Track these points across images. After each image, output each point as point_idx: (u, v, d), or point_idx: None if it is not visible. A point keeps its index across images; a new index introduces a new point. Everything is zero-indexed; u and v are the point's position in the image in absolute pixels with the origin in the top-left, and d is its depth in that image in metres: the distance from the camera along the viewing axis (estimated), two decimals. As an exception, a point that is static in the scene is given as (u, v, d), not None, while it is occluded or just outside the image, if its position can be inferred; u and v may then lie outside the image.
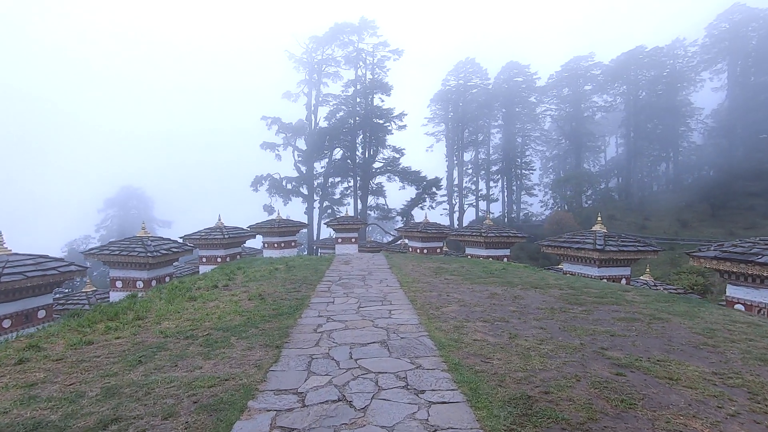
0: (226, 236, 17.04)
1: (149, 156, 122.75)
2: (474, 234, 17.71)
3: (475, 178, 75.51)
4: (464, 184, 73.04)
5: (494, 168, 75.26)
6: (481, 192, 74.08)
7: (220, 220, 18.46)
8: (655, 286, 17.00)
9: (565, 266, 14.13)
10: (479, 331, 4.91)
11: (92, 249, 13.90)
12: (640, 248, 13.20)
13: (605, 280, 13.26)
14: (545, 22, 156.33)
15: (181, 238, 18.20)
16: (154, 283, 13.11)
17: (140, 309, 6.11)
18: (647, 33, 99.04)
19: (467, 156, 75.43)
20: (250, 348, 4.40)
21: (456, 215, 71.01)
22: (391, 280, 8.54)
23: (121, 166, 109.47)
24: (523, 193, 74.69)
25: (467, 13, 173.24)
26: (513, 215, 70.44)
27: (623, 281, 13.73)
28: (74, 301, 15.59)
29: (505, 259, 18.43)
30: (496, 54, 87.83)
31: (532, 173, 77.21)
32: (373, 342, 4.54)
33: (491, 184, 75.65)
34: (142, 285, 12.80)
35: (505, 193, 74.33)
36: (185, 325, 5.37)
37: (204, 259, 17.41)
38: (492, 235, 17.53)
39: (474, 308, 6.02)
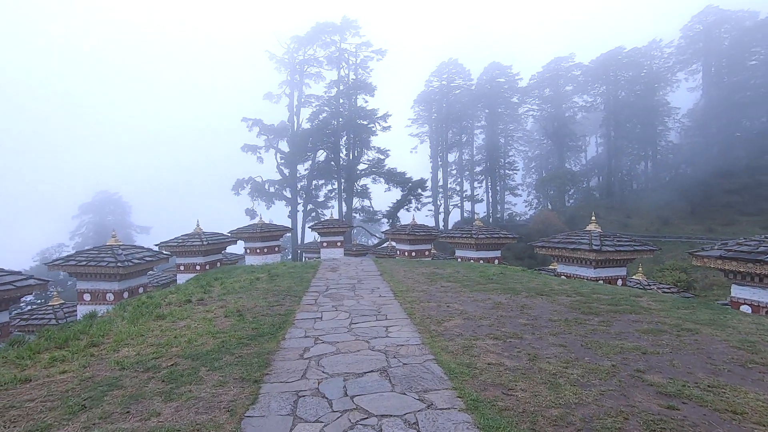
0: (204, 243, 16.12)
1: (126, 159, 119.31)
2: (464, 236, 17.17)
3: (459, 179, 75.52)
4: (449, 185, 72.95)
5: (478, 168, 75.41)
6: (465, 193, 74.10)
7: (198, 225, 17.53)
8: (648, 285, 16.74)
9: (560, 267, 13.68)
10: (492, 351, 4.25)
11: (57, 260, 12.81)
12: (636, 248, 12.82)
13: (601, 281, 12.86)
14: (527, 23, 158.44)
15: (156, 245, 17.26)
16: (126, 295, 12.19)
17: (97, 332, 5.26)
18: (625, 34, 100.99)
19: (451, 157, 75.41)
20: (223, 383, 3.64)
21: (441, 216, 70.81)
22: (384, 289, 7.84)
23: (97, 169, 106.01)
24: (507, 193, 75.04)
25: (450, 14, 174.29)
26: (498, 215, 70.59)
27: (619, 282, 13.36)
28: (39, 316, 14.38)
29: (496, 261, 17.97)
30: (479, 54, 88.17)
31: (516, 173, 77.74)
32: (371, 371, 3.82)
33: (475, 184, 75.79)
34: (112, 297, 11.85)
35: (490, 194, 74.51)
36: (148, 352, 4.56)
37: (182, 267, 16.47)
38: (483, 236, 17.03)
39: (480, 322, 5.37)
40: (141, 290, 12.75)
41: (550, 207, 63.25)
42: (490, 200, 74.37)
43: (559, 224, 55.08)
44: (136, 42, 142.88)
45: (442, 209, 70.57)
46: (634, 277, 16.14)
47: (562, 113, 75.85)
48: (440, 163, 72.46)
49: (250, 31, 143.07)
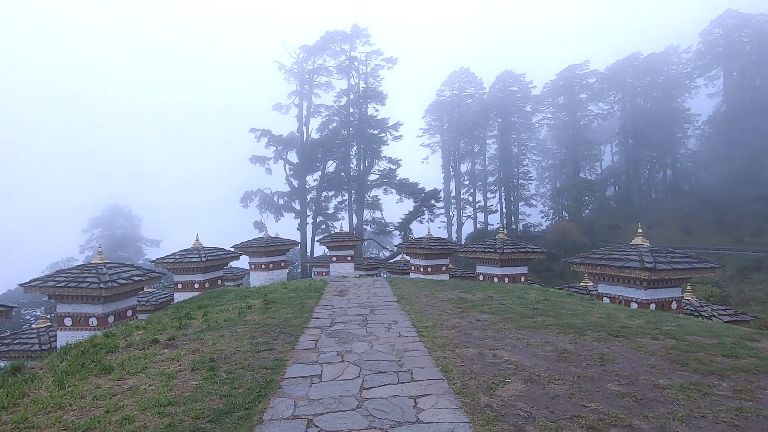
0: (203, 259, 14.68)
1: (136, 172, 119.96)
2: (488, 250, 15.40)
3: (471, 190, 73.65)
4: (461, 196, 71.12)
5: (491, 179, 73.48)
6: (478, 203, 72.13)
7: (197, 240, 16.12)
8: (701, 306, 14.75)
9: (602, 287, 11.82)
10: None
11: (34, 280, 11.37)
12: (695, 265, 10.95)
13: (653, 305, 11.03)
14: (539, 30, 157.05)
15: (152, 261, 16.02)
16: (111, 319, 10.72)
17: (3, 402, 3.70)
18: (640, 41, 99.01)
19: (463, 167, 73.74)
20: None
21: (454, 228, 68.89)
22: (403, 324, 6.18)
23: (107, 182, 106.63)
24: (521, 203, 72.78)
25: (461, 22, 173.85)
26: (513, 226, 68.35)
27: (674, 305, 11.47)
28: (22, 341, 12.96)
29: (523, 279, 16.19)
30: (491, 63, 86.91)
31: (530, 183, 75.58)
32: None
33: (488, 195, 73.78)
34: (96, 322, 10.42)
35: (504, 204, 72.31)
36: (55, 443, 2.98)
37: (179, 286, 15.08)
38: (508, 251, 15.25)
39: (551, 387, 3.68)
40: (130, 313, 11.40)
41: (567, 217, 60.90)
42: (504, 211, 72.14)
43: (578, 235, 52.77)
44: (144, 53, 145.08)
45: (455, 221, 68.73)
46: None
47: (576, 121, 73.82)
48: (452, 173, 70.79)
49: (258, 42, 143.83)
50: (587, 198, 63.57)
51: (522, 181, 73.43)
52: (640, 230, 12.28)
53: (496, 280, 15.44)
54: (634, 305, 10.80)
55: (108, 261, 11.93)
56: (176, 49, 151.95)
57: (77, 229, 76.33)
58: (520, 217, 72.59)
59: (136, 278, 11.34)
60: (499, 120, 72.71)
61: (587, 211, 69.35)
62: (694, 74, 72.10)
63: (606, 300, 11.34)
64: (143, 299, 17.70)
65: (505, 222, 71.43)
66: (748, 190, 60.79)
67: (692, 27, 72.64)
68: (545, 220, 70.01)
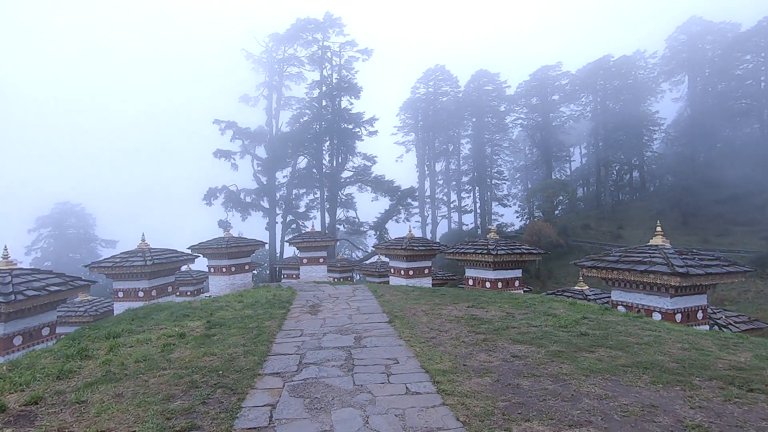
0: (149, 263, 12.23)
1: (87, 168, 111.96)
2: (480, 251, 13.62)
3: (446, 189, 72.55)
4: (436, 196, 69.87)
5: (465, 178, 72.65)
6: (453, 203, 71.09)
7: (143, 240, 13.61)
8: (714, 313, 13.52)
9: (616, 295, 10.27)
10: None
11: None
12: (728, 269, 9.52)
13: (680, 314, 9.59)
14: (514, 29, 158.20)
15: (85, 266, 13.43)
16: (18, 340, 8.33)
17: None
18: (611, 44, 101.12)
19: (438, 166, 72.53)
20: None
21: (429, 228, 67.58)
22: (408, 365, 4.16)
23: (56, 180, 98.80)
24: (496, 203, 72.35)
25: (437, 19, 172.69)
26: (489, 226, 67.61)
27: (700, 314, 10.04)
28: None
29: (517, 283, 14.57)
30: (467, 60, 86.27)
31: (504, 183, 75.40)
32: None
33: (463, 194, 72.96)
34: None
35: (478, 204, 71.64)
36: None
37: (120, 294, 12.66)
38: (503, 252, 13.54)
39: None
40: (46, 331, 9.00)
41: (542, 217, 60.73)
42: (478, 211, 71.49)
43: (554, 235, 52.40)
44: (99, 39, 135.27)
45: (429, 220, 67.38)
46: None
47: (549, 122, 74.12)
48: (427, 172, 69.45)
49: (224, 28, 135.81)
50: (561, 198, 63.73)
51: (496, 180, 73.09)
52: (659, 229, 10.76)
53: (488, 285, 13.75)
54: (656, 316, 9.29)
55: (16, 267, 9.39)
56: (132, 29, 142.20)
57: (22, 229, 69.81)
58: (494, 217, 72.13)
59: (54, 288, 8.96)
60: (474, 119, 72.01)
61: (556, 212, 69.64)
62: (660, 79, 74.03)
63: (621, 309, 9.80)
64: (80, 309, 14.97)
65: (479, 222, 70.83)
66: (712, 192, 62.71)
67: (659, 32, 74.65)
68: (520, 221, 69.82)
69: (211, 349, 4.70)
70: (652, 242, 10.55)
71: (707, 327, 9.68)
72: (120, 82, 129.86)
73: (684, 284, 8.78)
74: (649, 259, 9.40)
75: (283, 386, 3.69)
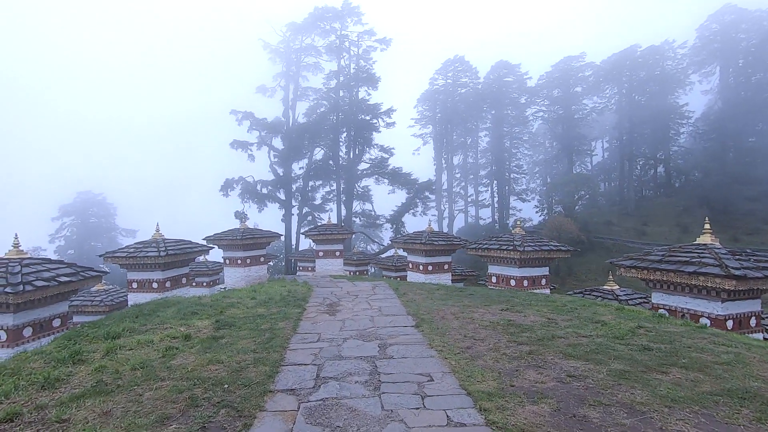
0: (163, 253, 11.98)
1: (110, 158, 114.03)
2: (506, 248, 12.90)
3: (463, 183, 71.28)
4: (453, 189, 68.77)
5: (483, 172, 71.22)
6: (470, 197, 69.85)
7: (157, 230, 13.40)
8: (763, 318, 12.48)
9: (656, 297, 9.47)
10: None
11: None
12: (788, 271, 8.60)
13: (730, 321, 8.81)
14: (537, 19, 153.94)
15: (100, 255, 13.33)
16: (28, 332, 8.13)
17: None
18: (637, 35, 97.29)
19: (455, 160, 71.29)
20: None
21: (445, 222, 66.63)
22: (445, 383, 3.56)
23: (79, 169, 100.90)
24: (514, 198, 70.81)
25: (457, 9, 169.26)
26: (506, 221, 66.42)
27: (753, 321, 9.22)
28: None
29: (543, 281, 13.83)
30: (486, 52, 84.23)
31: (523, 177, 73.68)
32: None
33: (480, 188, 71.61)
34: (5, 337, 7.86)
35: (496, 198, 70.23)
36: None
37: (134, 285, 12.50)
38: (530, 248, 12.79)
39: None
40: (57, 322, 8.79)
41: (562, 212, 59.15)
42: (496, 205, 70.09)
43: (575, 231, 50.92)
44: (116, 31, 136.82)
45: (446, 214, 66.41)
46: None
47: (571, 115, 71.92)
48: (444, 165, 68.33)
49: (242, 17, 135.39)
50: (583, 193, 61.88)
51: (514, 174, 71.48)
52: (707, 226, 9.88)
53: (513, 282, 13.09)
54: (704, 321, 8.49)
55: (27, 256, 9.16)
56: (151, 24, 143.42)
57: (46, 217, 71.46)
58: (512, 211, 70.67)
59: (63, 279, 8.70)
60: (493, 112, 70.36)
61: (577, 207, 67.76)
62: (689, 70, 70.83)
63: (663, 312, 9.00)
64: (96, 298, 14.88)
65: (496, 216, 69.54)
66: (742, 189, 60.10)
67: (689, 21, 71.36)
68: (539, 216, 68.22)
69: (217, 356, 4.19)
70: (699, 240, 9.71)
71: (761, 335, 8.86)
72: (141, 76, 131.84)
73: (740, 288, 7.97)
74: (699, 259, 8.58)
75: (298, 408, 3.16)
